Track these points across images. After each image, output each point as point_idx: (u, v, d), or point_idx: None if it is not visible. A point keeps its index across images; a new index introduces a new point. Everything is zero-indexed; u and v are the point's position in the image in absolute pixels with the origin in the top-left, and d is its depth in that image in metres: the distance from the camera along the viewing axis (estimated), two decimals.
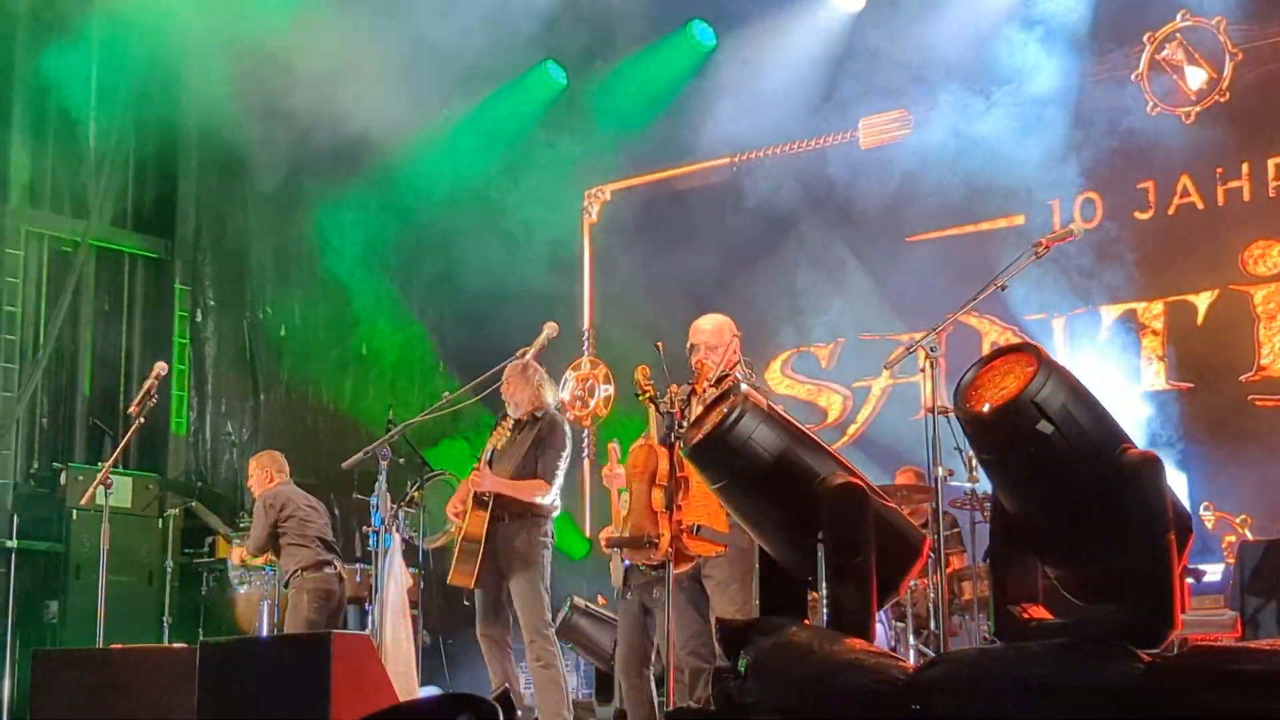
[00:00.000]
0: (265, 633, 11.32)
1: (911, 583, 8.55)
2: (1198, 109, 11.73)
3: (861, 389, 13.18)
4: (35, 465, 13.83)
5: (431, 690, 9.81)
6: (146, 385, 10.16)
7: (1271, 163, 11.48)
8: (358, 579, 12.05)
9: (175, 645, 10.64)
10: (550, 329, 8.97)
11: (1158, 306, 11.86)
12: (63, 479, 13.23)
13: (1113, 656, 4.94)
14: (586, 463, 14.09)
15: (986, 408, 5.52)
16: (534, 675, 8.98)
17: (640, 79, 14.50)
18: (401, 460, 9.91)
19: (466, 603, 9.18)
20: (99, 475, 10.11)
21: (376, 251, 15.16)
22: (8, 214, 13.55)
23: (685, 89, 14.10)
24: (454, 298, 15.56)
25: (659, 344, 7.76)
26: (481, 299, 14.78)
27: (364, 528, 9.52)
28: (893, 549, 6.12)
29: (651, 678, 8.74)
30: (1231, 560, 10.20)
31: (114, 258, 14.68)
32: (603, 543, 8.90)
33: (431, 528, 11.32)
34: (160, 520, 13.36)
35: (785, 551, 6.27)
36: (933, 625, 9.74)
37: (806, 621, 6.16)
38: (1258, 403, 11.32)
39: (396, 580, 9.15)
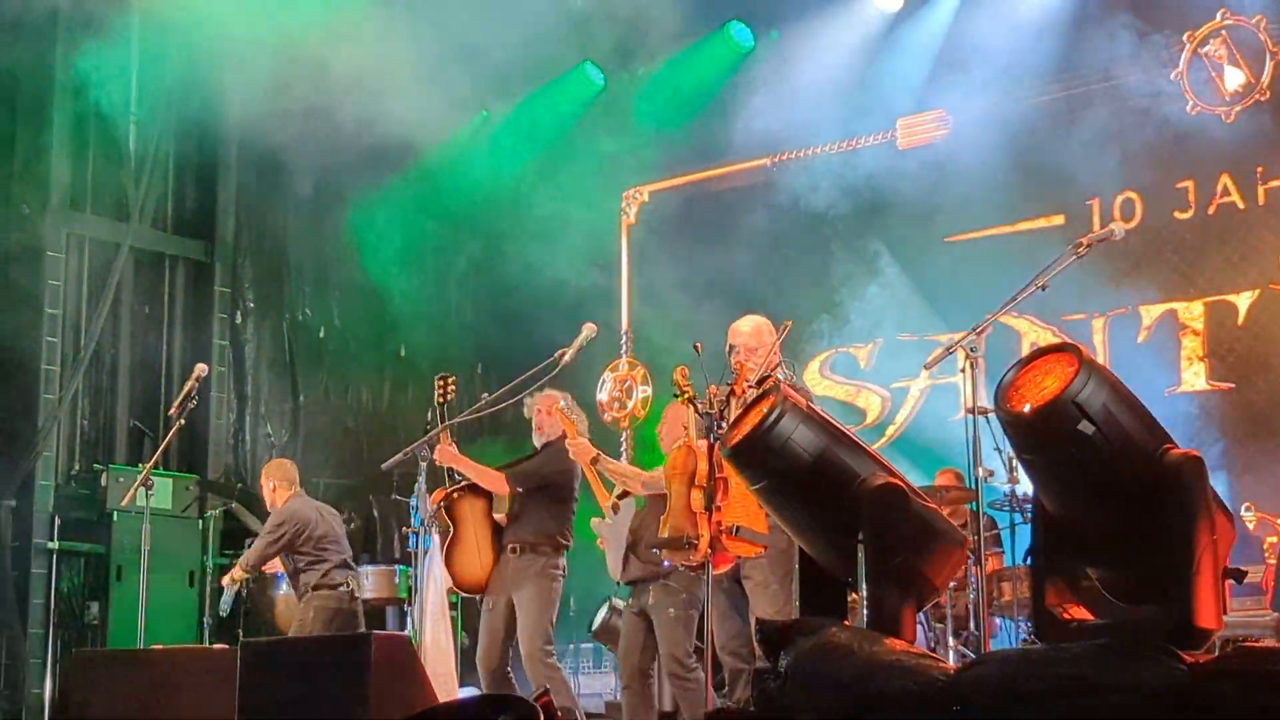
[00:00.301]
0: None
1: (950, 584, 8.54)
2: (1238, 108, 11.67)
3: (900, 389, 13.15)
4: (76, 467, 13.88)
5: (470, 691, 9.81)
6: (187, 387, 10.18)
7: None
8: (396, 580, 12.08)
9: (216, 646, 10.67)
10: (589, 330, 8.97)
11: (1198, 306, 11.81)
12: (103, 481, 13.28)
13: (1154, 658, 4.91)
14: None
15: (1027, 408, 5.50)
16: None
17: (678, 80, 14.51)
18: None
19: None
20: (140, 477, 10.14)
21: (415, 253, 15.20)
22: (49, 217, 13.59)
23: (723, 90, 14.10)
24: (492, 299, 15.60)
25: (698, 345, 7.76)
26: (520, 300, 14.81)
27: (403, 529, 9.53)
28: (933, 550, 6.11)
29: (655, 684, 8.80)
30: (1274, 561, 10.16)
31: (154, 260, 14.73)
32: (600, 541, 9.08)
33: None
34: (200, 521, 13.40)
35: (825, 552, 6.27)
36: (972, 626, 9.72)
37: (846, 623, 6.15)
38: None
39: (436, 581, 9.17)
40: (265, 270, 15.18)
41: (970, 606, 9.76)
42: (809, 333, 13.06)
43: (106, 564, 12.95)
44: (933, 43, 12.88)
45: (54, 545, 13.15)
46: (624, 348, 14.76)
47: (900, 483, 6.08)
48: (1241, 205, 11.70)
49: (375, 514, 14.73)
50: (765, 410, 6.16)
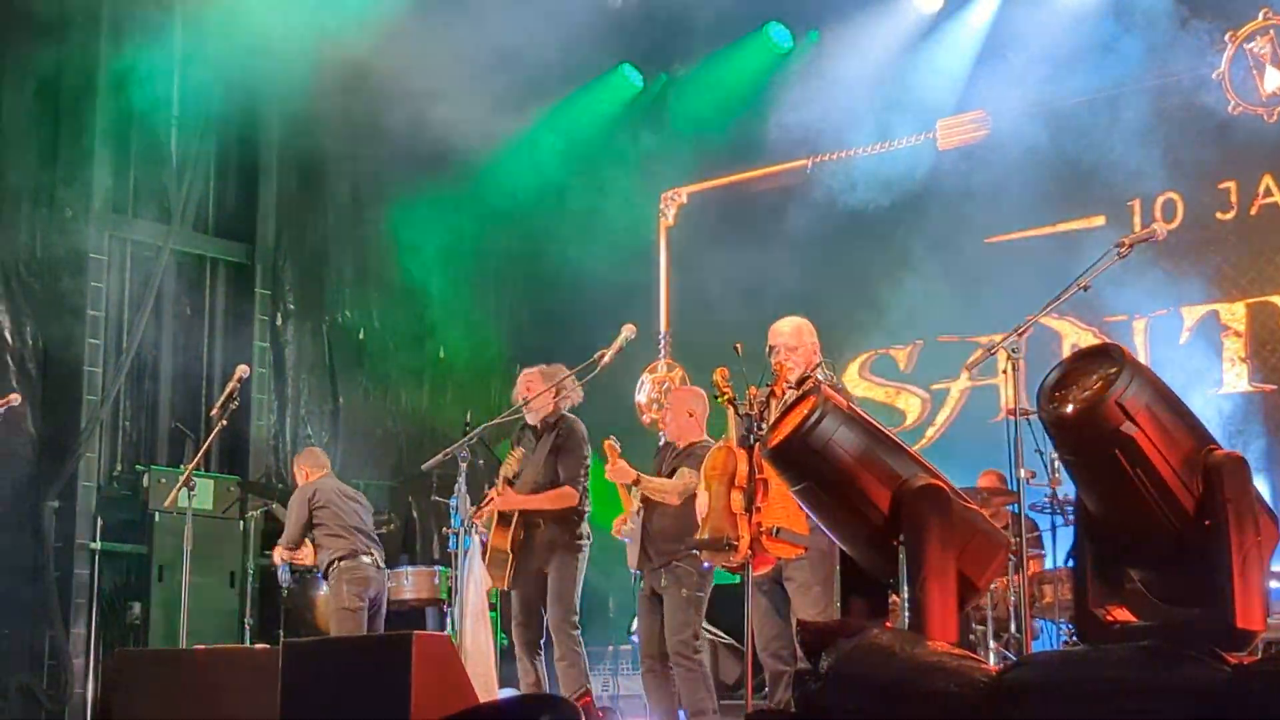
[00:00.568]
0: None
1: (992, 586, 8.51)
2: (1279, 109, 11.62)
3: (940, 391, 13.12)
4: (118, 468, 13.95)
5: (510, 692, 9.83)
6: (228, 388, 10.24)
7: None
8: (436, 580, 12.12)
9: (257, 646, 10.72)
10: (629, 331, 8.97)
11: (1240, 308, 11.75)
12: (145, 482, 13.35)
13: (1197, 660, 4.88)
14: None
15: (1070, 409, 5.48)
16: (559, 673, 9.08)
17: (717, 81, 14.51)
18: (481, 462, 9.96)
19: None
20: (182, 477, 10.20)
21: (454, 255, 15.24)
22: (91, 219, 13.67)
23: (762, 91, 14.08)
24: (531, 300, 15.64)
25: (738, 346, 7.75)
26: (558, 302, 14.85)
27: (444, 529, 9.56)
28: (975, 551, 6.10)
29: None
30: None
31: (195, 262, 14.79)
32: (615, 532, 9.12)
33: None
34: (241, 522, 13.46)
35: (866, 553, 6.26)
36: (1013, 629, 9.69)
37: (888, 624, 6.14)
38: None
39: (476, 582, 9.20)
40: (305, 272, 15.23)
41: (1011, 609, 9.74)
42: (848, 334, 13.03)
43: (148, 564, 13.02)
44: (972, 43, 12.85)
45: (96, 546, 13.24)
46: (662, 349, 14.76)
47: (942, 484, 6.07)
48: None
49: (415, 515, 14.76)
50: (806, 411, 6.15)
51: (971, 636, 9.81)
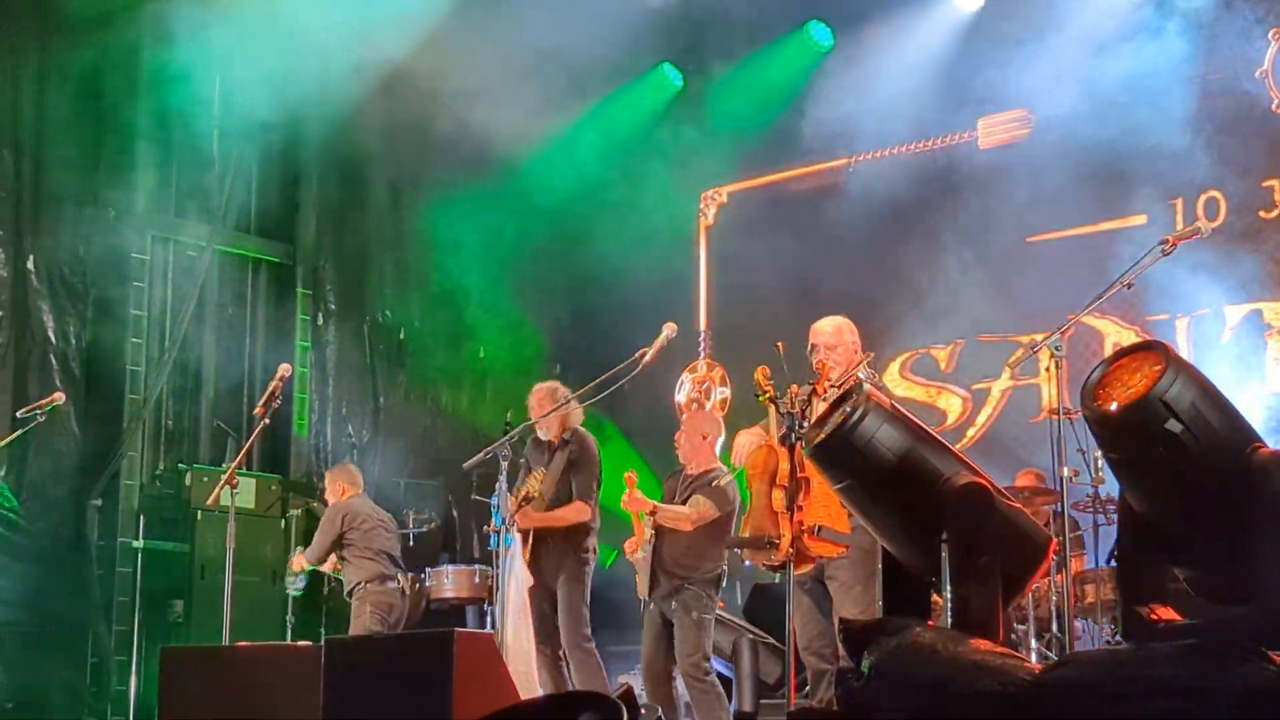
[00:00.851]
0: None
1: (1034, 585, 8.48)
2: None
3: (981, 391, 13.08)
4: (161, 467, 14.02)
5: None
6: (271, 387, 10.28)
7: None
8: (476, 579, 12.13)
9: (300, 643, 10.76)
10: (669, 330, 8.98)
11: None
12: (187, 480, 13.43)
13: (1244, 659, 4.85)
14: None
15: (1114, 406, 5.47)
16: (578, 685, 9.18)
17: (757, 80, 14.49)
18: (521, 461, 9.99)
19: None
20: (225, 476, 10.24)
21: (494, 255, 15.25)
22: (134, 219, 13.74)
23: (802, 89, 14.05)
24: (571, 300, 15.66)
25: (779, 344, 7.75)
26: (598, 301, 14.87)
27: (484, 528, 9.59)
28: (1017, 550, 6.08)
29: (676, 689, 9.00)
30: None
31: (237, 262, 14.85)
32: (629, 554, 9.26)
33: None
34: (283, 521, 13.53)
35: (909, 552, 6.25)
36: (1055, 628, 9.66)
37: (930, 623, 6.12)
38: None
39: (517, 580, 9.21)
40: (346, 272, 15.28)
41: (1053, 608, 9.71)
42: (889, 334, 13.00)
43: (190, 562, 13.07)
44: (1014, 41, 12.79)
45: (139, 544, 13.30)
46: (702, 348, 14.76)
47: (985, 482, 6.06)
48: None
49: (455, 514, 14.78)
50: (848, 409, 6.15)
51: (1013, 636, 9.78)
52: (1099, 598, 9.81)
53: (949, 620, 5.88)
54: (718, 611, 9.98)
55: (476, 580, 12.10)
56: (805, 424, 6.98)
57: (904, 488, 6.07)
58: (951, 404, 13.23)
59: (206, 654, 9.70)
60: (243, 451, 11.17)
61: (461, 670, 7.13)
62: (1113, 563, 9.24)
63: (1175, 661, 4.99)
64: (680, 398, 14.61)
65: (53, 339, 13.19)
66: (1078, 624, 10.11)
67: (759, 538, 7.57)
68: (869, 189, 13.42)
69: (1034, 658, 9.35)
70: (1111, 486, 9.13)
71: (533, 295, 15.89)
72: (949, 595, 5.92)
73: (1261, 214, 11.79)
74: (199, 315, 14.29)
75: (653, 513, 9.05)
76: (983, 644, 5.51)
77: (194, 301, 14.07)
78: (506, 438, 9.18)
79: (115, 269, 13.62)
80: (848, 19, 13.84)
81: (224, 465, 13.14)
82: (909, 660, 5.49)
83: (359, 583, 11.14)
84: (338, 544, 11.26)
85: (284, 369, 10.49)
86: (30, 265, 13.14)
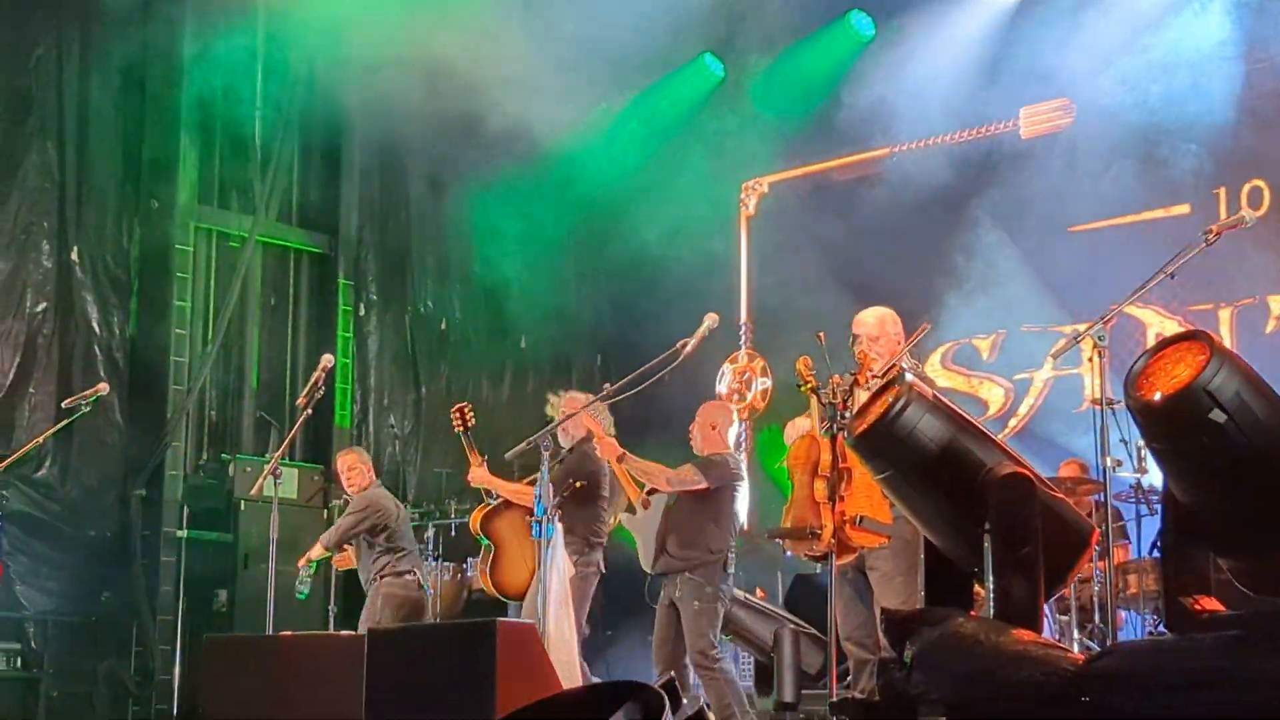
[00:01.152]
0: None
1: (1076, 575, 8.46)
2: None
3: (1023, 381, 13.04)
4: (204, 457, 14.10)
5: (593, 680, 9.85)
6: (314, 378, 10.32)
7: None
8: None
9: (343, 633, 10.80)
10: (711, 320, 8.94)
11: None
12: (230, 470, 13.50)
13: None
14: (744, 456, 14.05)
15: (1158, 396, 5.44)
16: None
17: (798, 70, 14.47)
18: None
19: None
20: (268, 466, 10.29)
21: (535, 246, 15.26)
22: (177, 210, 13.80)
23: (843, 79, 14.01)
24: (611, 290, 15.67)
25: (820, 334, 7.74)
26: (639, 292, 14.87)
27: (526, 518, 9.59)
28: (1060, 540, 6.06)
29: (688, 674, 9.01)
30: None
31: (280, 253, 14.92)
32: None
33: None
34: (325, 511, 13.57)
35: (951, 542, 6.23)
36: (1097, 619, 9.63)
37: (972, 613, 6.11)
38: None
39: (559, 570, 9.22)
40: (388, 263, 15.32)
41: (1095, 598, 9.68)
42: (931, 324, 12.93)
43: (234, 552, 13.15)
44: (1057, 30, 12.73)
45: (183, 534, 13.36)
46: (743, 339, 14.75)
47: (1028, 472, 6.04)
48: None
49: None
50: (891, 399, 6.13)
51: (1055, 627, 9.75)
52: (1142, 588, 9.77)
53: (991, 611, 5.87)
54: (755, 600, 10.01)
55: None
56: (847, 414, 6.96)
57: (946, 478, 6.05)
58: (993, 394, 13.19)
59: (249, 643, 9.77)
60: (285, 442, 11.23)
61: (504, 660, 7.16)
62: (1156, 553, 9.21)
63: (1218, 652, 4.98)
64: (721, 388, 14.59)
65: (97, 330, 13.28)
66: (1120, 614, 10.07)
67: (801, 528, 7.57)
68: (910, 178, 13.37)
69: (1076, 648, 9.33)
70: (1154, 477, 9.10)
71: (573, 286, 15.92)
72: (991, 585, 5.90)
73: None
74: (241, 306, 14.36)
75: (621, 459, 9.12)
76: (1025, 634, 5.50)
77: (236, 293, 14.14)
78: (549, 428, 9.17)
79: (158, 260, 13.72)
80: (889, 8, 13.80)
81: (267, 456, 13.21)
82: (951, 650, 5.49)
83: (377, 574, 11.00)
84: (358, 535, 11.11)
85: (326, 360, 10.53)
86: (74, 257, 13.23)
